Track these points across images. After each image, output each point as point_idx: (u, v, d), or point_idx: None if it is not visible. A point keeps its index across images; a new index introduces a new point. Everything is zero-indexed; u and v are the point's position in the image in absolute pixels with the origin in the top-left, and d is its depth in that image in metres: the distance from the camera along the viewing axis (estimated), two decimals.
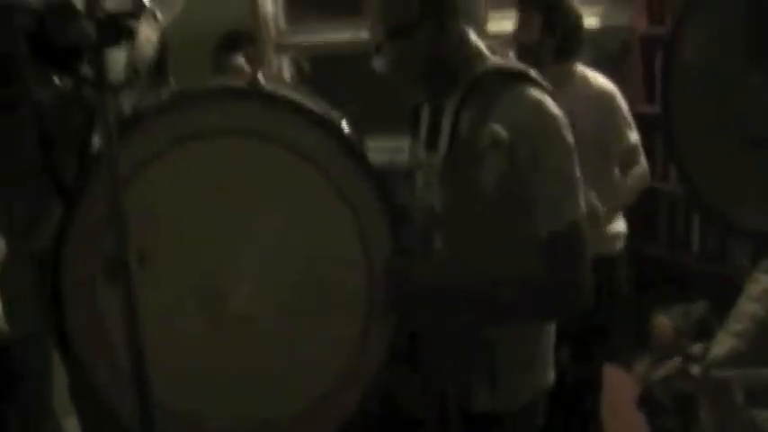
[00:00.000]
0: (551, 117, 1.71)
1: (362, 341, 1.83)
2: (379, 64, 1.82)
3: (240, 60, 3.33)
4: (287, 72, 4.08)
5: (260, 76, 1.74)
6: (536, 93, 1.72)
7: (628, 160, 3.10)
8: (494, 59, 1.81)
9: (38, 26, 1.37)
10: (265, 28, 4.08)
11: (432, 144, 1.85)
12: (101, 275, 1.73)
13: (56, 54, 1.36)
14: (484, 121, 1.68)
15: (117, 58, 1.41)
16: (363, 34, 3.95)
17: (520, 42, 2.95)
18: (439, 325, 1.87)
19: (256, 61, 3.52)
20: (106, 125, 1.36)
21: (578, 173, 1.72)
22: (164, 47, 1.43)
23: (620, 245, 3.18)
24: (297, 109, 1.78)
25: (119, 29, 1.39)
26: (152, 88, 1.54)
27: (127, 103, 1.54)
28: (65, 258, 1.73)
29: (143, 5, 1.44)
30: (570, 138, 1.72)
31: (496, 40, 2.27)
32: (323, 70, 4.12)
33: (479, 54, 1.81)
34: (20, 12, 1.42)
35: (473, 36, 1.81)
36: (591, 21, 3.68)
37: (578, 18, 2.97)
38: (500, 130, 1.67)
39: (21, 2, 1.44)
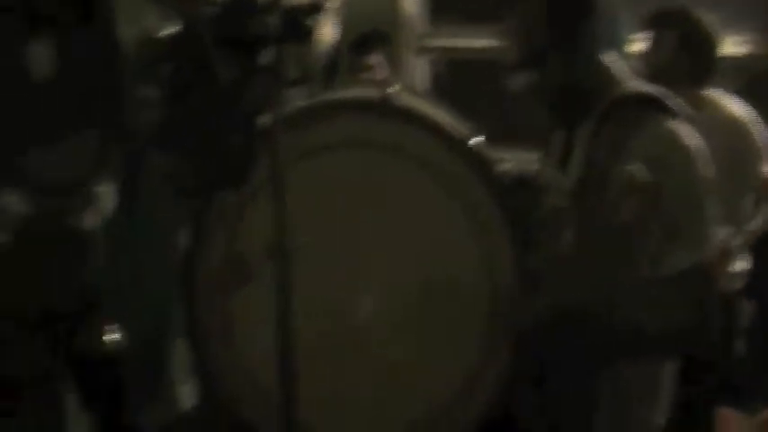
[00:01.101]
0: (689, 152, 1.65)
1: (482, 359, 1.81)
2: (515, 84, 1.81)
3: (375, 60, 3.34)
4: (424, 75, 4.07)
5: (392, 87, 1.74)
6: (674, 125, 1.67)
7: (761, 194, 2.96)
8: (631, 84, 1.77)
9: (221, 17, 1.40)
10: (405, 29, 4.10)
11: (564, 165, 1.82)
12: (232, 276, 1.77)
13: (236, 46, 1.38)
14: (620, 158, 1.64)
15: (293, 54, 1.43)
16: (501, 41, 3.94)
17: (650, 64, 2.85)
18: (559, 358, 1.83)
19: (392, 63, 3.54)
20: (279, 118, 1.39)
21: (714, 207, 1.67)
22: (339, 45, 1.44)
23: (740, 282, 3.04)
24: (427, 124, 1.77)
25: (300, 25, 1.42)
26: (326, 85, 1.57)
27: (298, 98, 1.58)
28: (200, 255, 1.76)
29: (322, 3, 1.46)
30: (708, 171, 1.67)
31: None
32: (461, 75, 4.10)
33: (614, 78, 1.75)
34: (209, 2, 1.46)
35: (608, 59, 1.77)
36: (737, 48, 3.55)
37: (715, 39, 2.84)
38: (638, 171, 1.63)
39: None
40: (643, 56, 2.87)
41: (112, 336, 2.42)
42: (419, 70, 4.07)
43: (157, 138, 2.36)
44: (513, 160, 2.16)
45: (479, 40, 4.01)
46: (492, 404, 1.81)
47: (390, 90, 1.68)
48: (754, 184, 2.93)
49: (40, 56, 1.25)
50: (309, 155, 1.69)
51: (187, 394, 3.71)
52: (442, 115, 1.80)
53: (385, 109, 1.71)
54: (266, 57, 1.40)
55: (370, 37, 3.31)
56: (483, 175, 1.75)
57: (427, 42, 4.14)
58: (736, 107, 2.89)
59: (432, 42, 4.17)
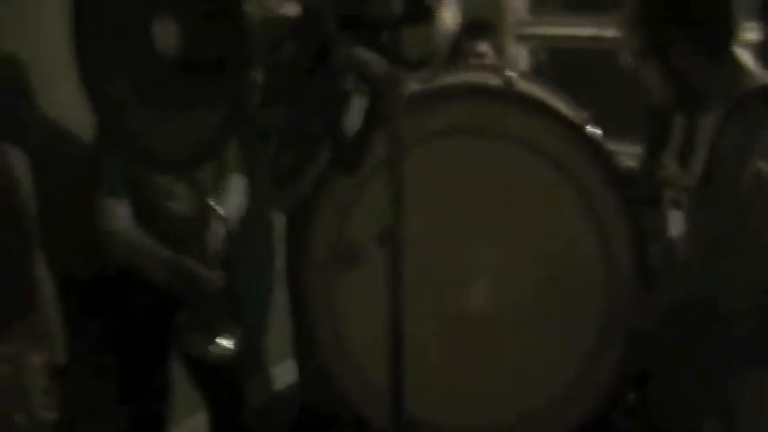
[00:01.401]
0: None
1: (595, 353, 1.77)
2: (636, 72, 1.75)
3: (483, 47, 3.31)
4: (523, 63, 4.02)
5: (509, 72, 1.70)
6: None
7: None
8: (761, 76, 1.69)
9: None
10: (507, 16, 4.04)
11: (684, 160, 1.75)
12: (339, 262, 1.77)
13: (356, 26, 1.37)
14: (748, 153, 1.58)
15: (413, 37, 1.41)
16: (607, 32, 3.84)
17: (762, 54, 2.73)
18: (676, 362, 1.77)
19: (499, 50, 3.50)
20: (397, 101, 1.37)
21: None
22: (461, 30, 1.41)
23: None
24: (549, 111, 1.73)
25: (421, 7, 1.39)
26: (446, 69, 1.54)
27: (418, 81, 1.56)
28: (311, 235, 1.76)
29: None
30: None
31: None
32: (561, 64, 4.03)
33: (743, 70, 1.69)
34: None
35: (738, 51, 1.70)
36: None
37: None
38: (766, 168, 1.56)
39: None
40: (755, 46, 2.76)
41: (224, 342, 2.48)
42: (518, 57, 4.03)
43: (270, 118, 2.39)
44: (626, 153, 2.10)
45: (581, 29, 3.92)
46: (602, 399, 1.77)
47: (509, 76, 1.65)
48: None
49: (167, 31, 1.25)
50: (427, 139, 1.68)
51: (284, 373, 3.76)
52: (559, 103, 1.76)
53: (508, 96, 1.68)
54: (386, 38, 1.38)
55: (477, 24, 3.29)
56: (602, 166, 1.70)
57: (528, 30, 4.09)
58: None
59: (532, 30, 4.12)
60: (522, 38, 4.08)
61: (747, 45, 2.75)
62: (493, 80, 1.73)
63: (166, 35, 1.28)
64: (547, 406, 1.78)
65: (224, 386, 2.87)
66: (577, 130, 1.72)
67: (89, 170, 2.69)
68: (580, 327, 1.75)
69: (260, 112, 1.77)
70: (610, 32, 3.76)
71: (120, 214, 2.59)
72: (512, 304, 1.76)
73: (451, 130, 1.71)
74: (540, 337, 1.76)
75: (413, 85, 1.64)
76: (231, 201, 2.73)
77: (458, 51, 3.15)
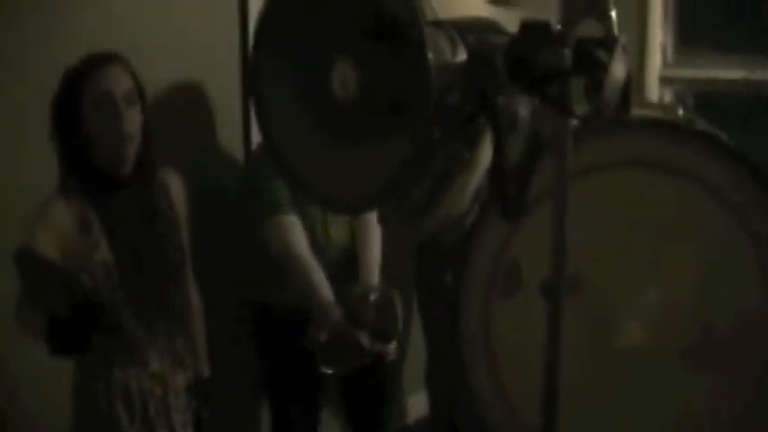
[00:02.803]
0: None
1: (749, 404, 1.72)
2: None
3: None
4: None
5: (677, 111, 1.68)
6: None
7: None
8: None
9: (512, 46, 1.41)
10: (652, 58, 3.98)
11: None
12: (501, 290, 1.78)
13: (525, 75, 1.38)
14: None
15: (581, 86, 1.42)
16: (758, 75, 3.72)
17: None
18: None
19: (641, 94, 3.46)
20: (562, 151, 1.38)
21: None
22: (629, 80, 1.41)
23: None
24: (727, 151, 1.70)
25: (591, 58, 1.40)
26: (615, 120, 1.55)
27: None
28: (469, 266, 1.79)
29: (617, 37, 1.44)
30: None
31: None
32: (707, 107, 3.93)
33: None
34: (495, 31, 1.48)
35: None
36: None
37: None
38: None
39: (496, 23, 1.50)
40: None
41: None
42: (664, 99, 3.96)
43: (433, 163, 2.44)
44: None
45: (729, 72, 3.82)
46: None
47: (685, 114, 1.64)
48: None
49: (345, 75, 1.30)
50: (586, 174, 1.67)
51: (417, 405, 3.79)
52: (733, 143, 1.74)
53: (685, 132, 1.67)
54: (555, 89, 1.39)
55: None
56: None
57: (673, 72, 4.02)
58: None
59: (678, 73, 4.04)
60: (667, 80, 4.00)
61: None
62: (664, 116, 1.73)
63: (344, 79, 1.33)
64: None
65: (365, 411, 2.92)
66: (751, 167, 1.68)
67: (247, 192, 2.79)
68: (743, 372, 1.70)
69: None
70: (763, 75, 3.67)
71: (294, 230, 2.63)
72: (672, 347, 1.72)
73: (616, 164, 1.70)
74: (702, 382, 1.72)
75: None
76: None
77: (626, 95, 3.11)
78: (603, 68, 1.38)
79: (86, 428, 2.38)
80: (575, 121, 1.72)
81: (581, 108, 1.39)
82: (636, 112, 1.90)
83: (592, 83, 1.41)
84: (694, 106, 3.91)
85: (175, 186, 2.51)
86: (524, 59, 1.38)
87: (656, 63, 3.97)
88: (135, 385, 2.35)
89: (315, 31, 1.42)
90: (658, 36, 4.02)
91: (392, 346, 2.67)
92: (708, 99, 3.95)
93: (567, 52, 1.37)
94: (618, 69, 1.40)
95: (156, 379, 2.39)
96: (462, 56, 1.48)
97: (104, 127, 2.23)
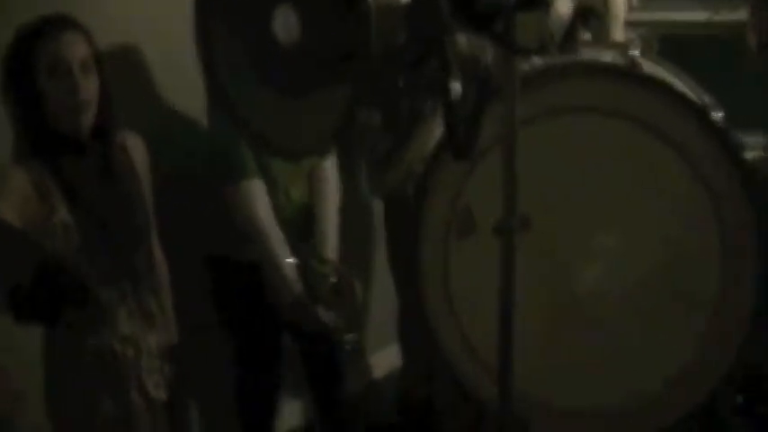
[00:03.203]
0: None
1: (711, 337, 1.74)
2: (751, 40, 1.69)
3: (587, 36, 3.26)
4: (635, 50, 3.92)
5: (636, 53, 1.67)
6: None
7: None
8: None
9: None
10: (615, 3, 3.96)
11: None
12: (456, 233, 1.79)
13: (470, 14, 1.37)
14: None
15: (527, 23, 1.41)
16: (721, 15, 3.71)
17: None
18: None
19: (605, 37, 3.44)
20: (511, 88, 1.38)
21: None
22: (576, 15, 1.41)
23: None
24: (669, 92, 1.70)
25: None
26: (562, 55, 1.54)
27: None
28: (425, 212, 1.80)
29: None
30: None
31: None
32: (672, 51, 3.92)
33: None
34: None
35: None
36: None
37: None
38: None
39: None
40: None
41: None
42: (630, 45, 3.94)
43: (378, 103, 2.42)
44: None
45: (694, 14, 3.81)
46: (717, 385, 1.74)
47: (633, 55, 1.63)
48: None
49: (287, 20, 1.29)
50: (543, 118, 1.68)
51: (383, 362, 3.81)
52: (682, 86, 1.74)
53: (630, 75, 1.67)
54: (500, 26, 1.39)
55: (582, 12, 3.24)
56: (723, 151, 1.67)
57: (637, 16, 3.99)
58: None
59: (642, 16, 4.02)
60: (632, 24, 3.98)
61: None
62: (615, 58, 1.72)
63: (287, 24, 1.32)
64: (663, 389, 1.76)
65: (325, 370, 2.93)
66: (699, 112, 1.68)
67: (211, 156, 2.77)
68: (696, 309, 1.72)
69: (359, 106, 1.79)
70: (725, 17, 3.66)
71: (259, 196, 2.64)
72: (626, 285, 1.74)
73: (569, 109, 1.70)
74: (654, 319, 1.74)
75: (528, 66, 1.64)
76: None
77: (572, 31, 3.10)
78: (546, 4, 1.37)
79: (58, 394, 2.38)
80: (526, 66, 1.72)
81: (528, 44, 1.38)
82: (589, 53, 1.90)
83: (537, 20, 1.40)
84: (660, 49, 3.90)
85: (137, 149, 2.49)
86: None
87: (620, 7, 3.94)
88: (106, 348, 2.34)
89: None
90: None
91: (351, 336, 2.70)
92: (673, 41, 3.94)
93: None
94: (562, 5, 1.40)
95: (126, 341, 2.38)
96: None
97: (60, 95, 2.20)
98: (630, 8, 4.05)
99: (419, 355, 3.22)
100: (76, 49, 2.20)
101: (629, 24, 4.02)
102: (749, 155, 1.92)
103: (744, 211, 1.67)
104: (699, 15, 3.80)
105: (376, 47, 1.24)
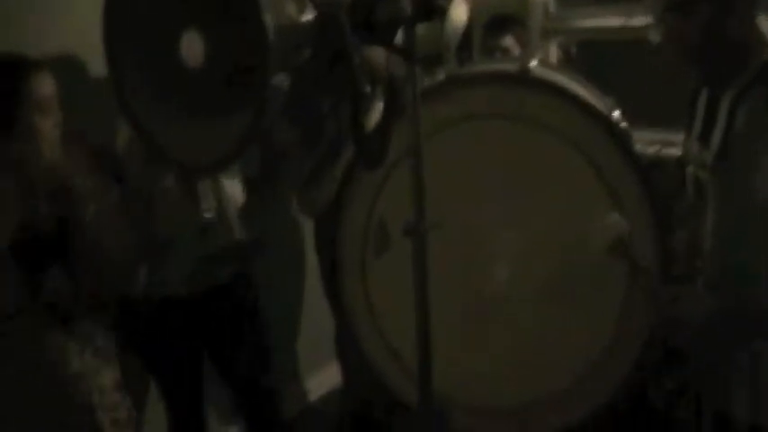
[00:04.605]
0: None
1: (617, 334, 1.81)
2: (654, 35, 1.75)
3: (508, 42, 3.35)
4: (553, 57, 4.03)
5: (531, 60, 1.74)
6: None
7: None
8: None
9: (356, 2, 1.45)
10: (534, 10, 4.07)
11: (706, 138, 1.76)
12: (373, 245, 1.83)
13: (370, 28, 1.43)
14: (763, 116, 1.58)
15: (426, 34, 1.47)
16: (636, 21, 3.84)
17: None
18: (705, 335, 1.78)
19: (526, 44, 3.53)
20: (412, 97, 1.43)
21: None
22: (471, 26, 1.47)
23: None
24: (565, 96, 1.77)
25: (431, 5, 1.45)
26: (459, 64, 1.60)
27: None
28: (344, 222, 1.83)
29: None
30: None
31: None
32: (590, 56, 4.04)
33: (764, 41, 1.68)
34: None
35: (764, 23, 1.69)
36: None
37: None
38: None
39: None
40: None
41: None
42: (548, 51, 4.05)
43: (289, 119, 2.46)
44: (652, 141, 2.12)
45: (609, 20, 3.93)
46: (628, 380, 1.80)
47: (530, 64, 1.69)
48: None
49: (192, 43, 1.33)
50: (446, 127, 1.73)
51: (320, 384, 3.79)
52: (581, 89, 1.80)
53: (525, 81, 1.73)
54: (399, 37, 1.44)
55: (502, 19, 3.33)
56: (622, 149, 1.74)
57: (555, 24, 4.11)
58: None
59: (560, 24, 4.13)
60: (550, 32, 4.10)
61: None
62: (513, 67, 1.78)
63: (192, 48, 1.36)
64: (573, 386, 1.82)
65: (259, 397, 2.91)
66: (597, 114, 1.75)
67: None
68: (603, 308, 1.79)
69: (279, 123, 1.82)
70: (639, 21, 3.79)
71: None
72: (533, 286, 1.80)
73: (471, 116, 1.76)
74: (563, 319, 1.80)
75: (432, 77, 1.70)
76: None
77: (483, 46, 3.18)
78: (442, 14, 1.43)
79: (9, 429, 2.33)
80: (438, 77, 1.78)
81: (428, 53, 1.44)
82: (484, 65, 1.96)
83: (436, 29, 1.46)
84: (578, 55, 4.02)
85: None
86: (368, 11, 1.43)
87: (538, 15, 4.05)
88: (55, 386, 2.30)
89: (162, 3, 1.45)
90: None
91: None
92: (591, 47, 4.06)
93: (406, 1, 1.42)
94: (458, 15, 1.46)
95: (79, 378, 2.34)
96: (310, 15, 1.52)
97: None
98: (548, 17, 4.18)
99: (359, 372, 3.22)
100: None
101: (547, 33, 4.14)
102: (651, 149, 2.00)
103: (646, 214, 1.74)
104: (614, 21, 3.91)
105: (275, 63, 1.28)
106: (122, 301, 2.55)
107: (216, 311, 2.68)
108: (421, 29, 1.45)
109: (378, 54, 1.75)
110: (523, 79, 1.75)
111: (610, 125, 1.76)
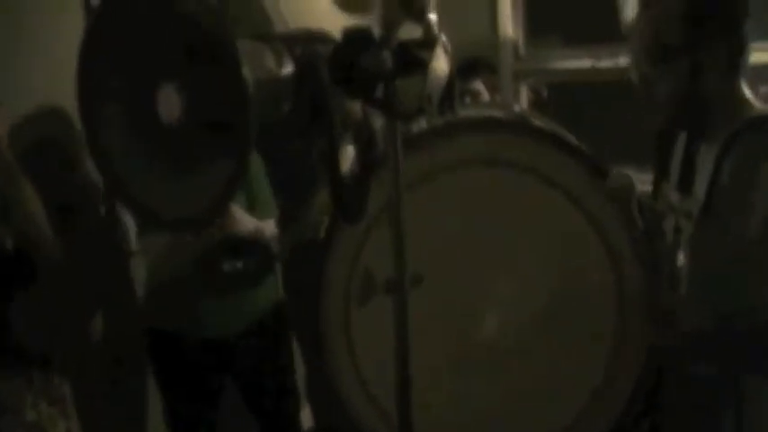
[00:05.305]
0: None
1: (609, 378, 1.80)
2: (635, 77, 1.77)
3: (478, 86, 3.37)
4: (524, 98, 4.07)
5: (515, 107, 1.75)
6: None
7: None
8: (761, 107, 1.71)
9: (336, 55, 1.44)
10: (504, 53, 4.10)
11: (685, 187, 1.77)
12: (357, 296, 1.81)
13: (351, 81, 1.41)
14: (750, 182, 1.59)
15: (408, 88, 1.45)
16: (605, 63, 3.88)
17: None
18: (688, 369, 1.78)
19: (495, 87, 3.55)
20: (394, 152, 1.41)
21: None
22: (453, 78, 1.46)
23: None
24: (561, 144, 1.78)
25: (413, 59, 1.44)
26: (441, 117, 1.58)
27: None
28: (327, 274, 1.81)
29: (436, 37, 1.48)
30: None
31: None
32: (561, 98, 4.08)
33: (745, 99, 1.70)
34: (321, 41, 1.50)
35: (742, 79, 1.71)
36: None
37: None
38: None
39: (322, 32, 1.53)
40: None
41: None
42: (519, 93, 4.08)
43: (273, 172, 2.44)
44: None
45: (579, 62, 3.97)
46: (617, 423, 1.79)
47: (516, 110, 1.70)
48: None
49: (170, 98, 1.31)
50: (434, 176, 1.72)
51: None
52: (570, 137, 1.81)
53: (518, 128, 1.73)
54: (381, 91, 1.42)
55: (472, 62, 3.35)
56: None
57: (525, 66, 4.15)
58: None
59: (530, 66, 4.17)
60: (520, 74, 4.13)
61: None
62: (501, 114, 1.79)
63: (169, 103, 1.34)
64: (572, 423, 1.81)
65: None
66: (588, 161, 1.76)
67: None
68: (593, 353, 1.79)
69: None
70: (608, 63, 3.84)
71: None
72: (523, 333, 1.79)
73: (459, 164, 1.75)
74: (553, 365, 1.79)
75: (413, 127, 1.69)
76: None
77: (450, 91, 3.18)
78: (424, 67, 1.41)
79: None
80: (415, 127, 1.77)
81: (409, 106, 1.42)
82: (471, 112, 1.96)
83: (417, 83, 1.44)
84: (548, 97, 4.05)
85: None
86: (348, 65, 1.41)
87: (508, 58, 4.09)
88: None
89: (138, 58, 1.43)
90: (509, 31, 4.16)
91: None
92: (561, 89, 4.10)
93: (388, 55, 1.41)
94: (440, 68, 1.45)
95: (33, 428, 2.29)
96: (289, 68, 1.51)
97: None
98: (517, 59, 4.21)
99: (330, 417, 3.19)
100: None
101: (518, 74, 4.18)
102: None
103: (635, 257, 1.75)
104: (583, 63, 3.96)
105: (255, 116, 1.26)
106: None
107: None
108: (401, 83, 1.44)
109: (359, 107, 1.74)
110: (518, 126, 1.75)
111: (599, 171, 1.77)
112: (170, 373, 2.72)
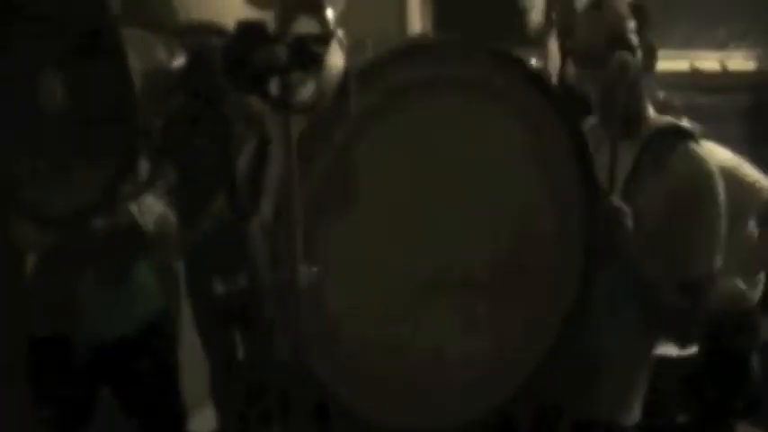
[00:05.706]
0: (714, 175, 1.81)
1: (551, 308, 1.79)
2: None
3: None
4: None
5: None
6: (700, 149, 1.85)
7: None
8: (663, 117, 1.91)
9: (229, 48, 1.41)
10: None
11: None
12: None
13: (244, 75, 1.39)
14: (658, 174, 1.80)
15: (303, 82, 1.44)
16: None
17: None
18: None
19: None
20: (288, 147, 1.39)
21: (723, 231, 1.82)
22: (349, 73, 1.45)
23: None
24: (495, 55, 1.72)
25: (307, 54, 1.42)
26: (337, 112, 1.55)
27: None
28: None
29: (332, 32, 1.47)
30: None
31: None
32: None
33: (647, 108, 1.91)
34: (217, 33, 1.47)
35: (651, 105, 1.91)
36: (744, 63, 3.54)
37: None
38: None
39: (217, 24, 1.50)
40: None
41: None
42: None
43: (163, 164, 2.38)
44: None
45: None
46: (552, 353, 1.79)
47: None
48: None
49: (52, 87, 1.26)
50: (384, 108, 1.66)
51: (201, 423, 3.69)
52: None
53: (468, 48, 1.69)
54: (274, 86, 1.40)
55: None
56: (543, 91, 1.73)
57: None
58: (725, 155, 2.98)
59: None
60: None
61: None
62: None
63: (51, 91, 1.28)
64: (501, 352, 1.81)
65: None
66: (535, 75, 1.78)
67: None
68: (534, 275, 1.79)
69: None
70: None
71: None
72: (472, 260, 1.75)
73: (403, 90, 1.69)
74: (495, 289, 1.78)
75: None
76: None
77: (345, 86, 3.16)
78: (318, 62, 1.40)
79: None
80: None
81: (302, 101, 1.41)
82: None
83: (311, 77, 1.43)
84: None
85: None
86: (241, 59, 1.38)
87: None
88: None
89: (23, 45, 1.37)
90: (417, 25, 4.18)
91: None
92: None
93: (282, 49, 1.39)
94: (335, 62, 1.43)
95: None
96: (181, 60, 1.47)
97: None
98: None
99: (234, 413, 3.17)
100: None
101: None
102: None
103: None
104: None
105: (144, 108, 1.23)
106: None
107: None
108: (295, 76, 1.42)
109: (255, 101, 1.71)
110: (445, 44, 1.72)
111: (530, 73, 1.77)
112: (48, 378, 2.63)
